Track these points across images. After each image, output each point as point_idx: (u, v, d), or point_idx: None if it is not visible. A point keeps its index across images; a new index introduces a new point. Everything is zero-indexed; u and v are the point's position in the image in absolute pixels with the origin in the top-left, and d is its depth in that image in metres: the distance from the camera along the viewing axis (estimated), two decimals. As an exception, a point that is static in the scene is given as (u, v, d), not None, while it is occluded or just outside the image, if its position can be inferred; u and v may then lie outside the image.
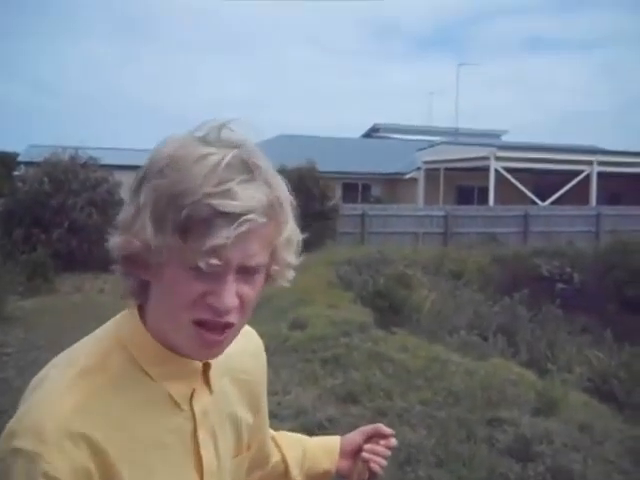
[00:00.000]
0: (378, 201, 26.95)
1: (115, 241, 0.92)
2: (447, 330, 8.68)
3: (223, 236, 0.84)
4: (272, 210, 0.91)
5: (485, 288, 13.33)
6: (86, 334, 1.03)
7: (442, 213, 21.15)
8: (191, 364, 0.98)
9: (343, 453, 1.38)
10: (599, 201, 24.24)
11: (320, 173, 19.88)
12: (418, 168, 27.92)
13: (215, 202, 0.84)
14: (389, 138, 37.83)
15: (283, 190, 0.95)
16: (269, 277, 1.00)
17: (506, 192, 24.00)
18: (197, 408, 0.99)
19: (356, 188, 29.42)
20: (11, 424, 0.88)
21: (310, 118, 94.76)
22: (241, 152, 0.89)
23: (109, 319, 1.03)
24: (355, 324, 8.60)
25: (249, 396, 1.15)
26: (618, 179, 27.11)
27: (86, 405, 0.89)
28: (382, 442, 1.34)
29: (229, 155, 0.87)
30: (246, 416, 1.13)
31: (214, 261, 0.85)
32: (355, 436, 1.39)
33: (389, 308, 8.86)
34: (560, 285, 14.37)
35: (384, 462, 1.33)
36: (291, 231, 1.00)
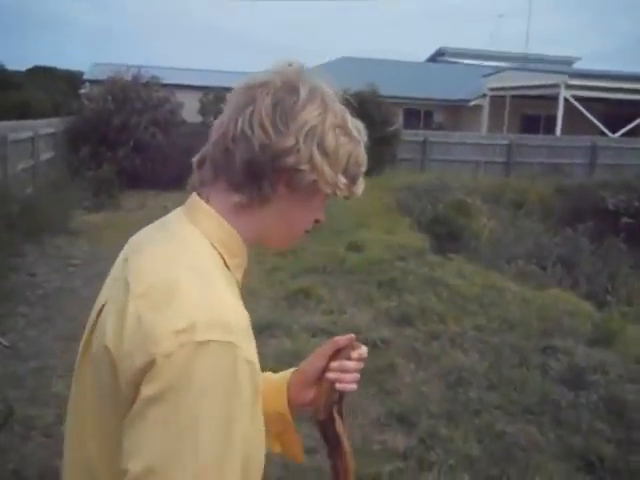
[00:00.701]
0: (440, 128, 26.37)
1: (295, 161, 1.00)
2: (505, 259, 8.60)
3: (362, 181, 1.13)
4: None
5: (546, 219, 13.07)
6: None
7: (506, 142, 20.57)
8: (246, 256, 1.09)
9: (304, 384, 1.30)
10: (674, 134, 23.13)
11: (382, 97, 19.48)
12: (483, 95, 27.04)
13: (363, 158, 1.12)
14: (455, 63, 36.59)
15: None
16: None
17: (574, 122, 23.10)
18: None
19: (418, 114, 28.80)
20: (177, 321, 0.88)
21: (375, 41, 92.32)
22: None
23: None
24: (412, 249, 8.62)
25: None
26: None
27: (237, 303, 0.98)
28: (353, 354, 1.25)
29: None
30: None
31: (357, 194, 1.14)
32: (313, 360, 1.32)
33: (447, 235, 8.82)
34: (625, 219, 13.95)
35: (352, 377, 1.25)
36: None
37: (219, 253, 1.02)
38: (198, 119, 17.64)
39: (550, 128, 23.73)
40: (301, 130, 0.99)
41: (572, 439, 4.05)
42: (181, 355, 0.85)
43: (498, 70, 27.17)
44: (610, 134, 22.61)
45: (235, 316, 0.93)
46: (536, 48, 38.74)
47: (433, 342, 5.60)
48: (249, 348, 0.93)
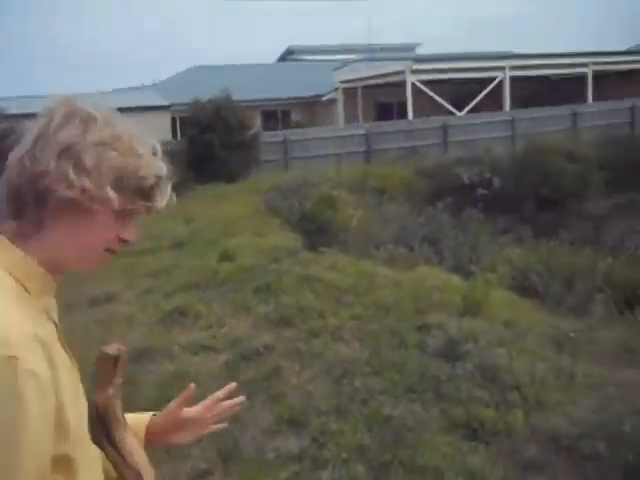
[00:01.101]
0: (298, 126, 26.66)
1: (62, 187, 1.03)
2: (374, 245, 8.82)
3: (165, 192, 1.19)
4: None
5: (409, 201, 13.55)
6: None
7: (362, 131, 21.12)
8: (53, 282, 1.12)
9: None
10: (513, 106, 24.67)
11: (237, 102, 19.42)
12: (336, 89, 27.63)
13: (155, 171, 1.17)
14: (304, 60, 37.15)
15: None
16: None
17: (424, 105, 24.09)
18: (55, 319, 1.13)
19: (275, 115, 28.98)
20: None
21: (224, 47, 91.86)
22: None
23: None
24: (283, 250, 8.64)
25: None
26: (530, 82, 27.62)
27: (21, 319, 0.99)
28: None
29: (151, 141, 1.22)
30: None
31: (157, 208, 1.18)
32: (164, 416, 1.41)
33: (316, 230, 8.91)
34: (481, 191, 14.76)
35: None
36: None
37: (15, 279, 1.04)
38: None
39: (403, 113, 24.62)
40: (54, 153, 1.03)
41: (454, 410, 4.21)
42: None
43: (347, 63, 27.86)
44: (457, 112, 23.77)
45: (16, 330, 0.95)
46: (379, 38, 40.11)
47: (314, 339, 5.63)
48: (36, 361, 0.94)
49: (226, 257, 8.58)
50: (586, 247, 8.66)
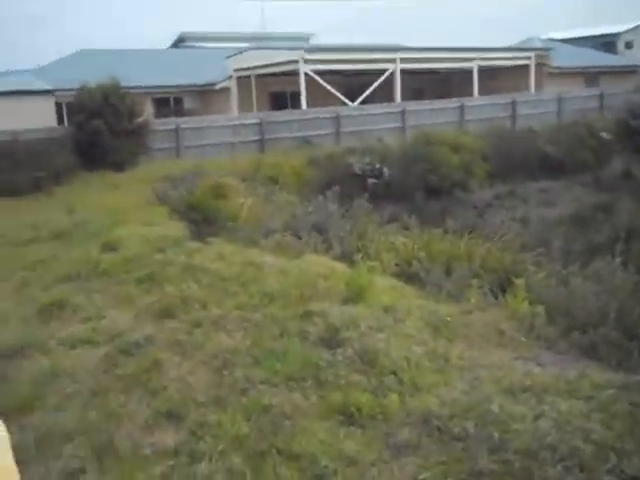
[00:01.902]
0: (192, 114, 26.17)
1: None
2: (263, 234, 8.80)
3: None
4: None
5: (301, 190, 13.63)
6: None
7: (256, 120, 21.01)
8: None
9: None
10: (404, 98, 25.28)
11: (127, 89, 18.81)
12: (229, 77, 27.31)
13: None
14: (197, 47, 36.46)
15: None
16: None
17: (318, 95, 24.26)
18: None
19: (168, 102, 28.30)
20: None
21: (114, 31, 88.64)
22: None
23: None
24: (170, 239, 8.47)
25: None
26: (420, 75, 28.42)
27: None
28: None
29: None
30: None
31: None
32: None
33: (203, 219, 8.78)
34: (371, 180, 15.05)
35: None
36: None
37: None
38: None
39: (297, 103, 24.69)
40: None
41: (332, 396, 4.25)
42: None
43: (240, 51, 27.58)
44: (350, 103, 24.09)
45: None
46: (273, 28, 39.97)
47: (196, 330, 5.53)
48: None
49: (109, 247, 8.32)
50: (467, 235, 9.00)
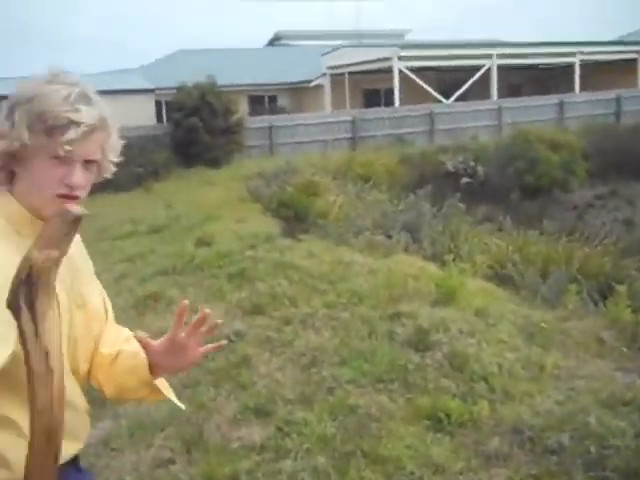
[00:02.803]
0: (285, 111, 26.52)
1: None
2: (353, 232, 8.77)
3: (74, 134, 1.34)
4: (103, 123, 1.43)
5: (392, 188, 13.50)
6: None
7: (349, 118, 21.03)
8: (34, 224, 1.37)
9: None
10: (500, 94, 24.63)
11: (223, 87, 19.27)
12: (323, 74, 27.47)
13: (69, 115, 1.34)
14: (292, 45, 36.89)
15: (109, 113, 1.48)
16: (100, 169, 1.52)
17: (411, 92, 24.02)
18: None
19: (262, 100, 28.80)
20: None
21: (211, 31, 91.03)
22: (80, 88, 1.41)
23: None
24: (261, 236, 8.58)
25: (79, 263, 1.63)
26: (517, 71, 27.60)
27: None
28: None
29: (75, 89, 1.39)
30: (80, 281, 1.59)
31: (69, 149, 1.34)
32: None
33: (295, 217, 8.85)
34: (465, 179, 14.74)
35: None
36: (115, 139, 1.52)
37: (10, 223, 1.38)
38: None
39: (390, 100, 24.53)
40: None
41: (420, 400, 4.16)
42: None
43: (334, 48, 27.68)
44: (444, 100, 23.70)
45: None
46: (371, 24, 39.85)
47: (285, 327, 5.57)
48: None
49: (203, 242, 8.52)
50: (565, 237, 8.64)
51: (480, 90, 24.56)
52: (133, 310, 6.52)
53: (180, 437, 4.03)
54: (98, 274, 5.47)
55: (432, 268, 7.11)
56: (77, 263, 1.62)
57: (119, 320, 5.83)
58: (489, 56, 24.56)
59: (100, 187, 6.52)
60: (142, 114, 19.82)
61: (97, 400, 4.56)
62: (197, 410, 4.36)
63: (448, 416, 3.95)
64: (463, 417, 3.95)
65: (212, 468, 3.65)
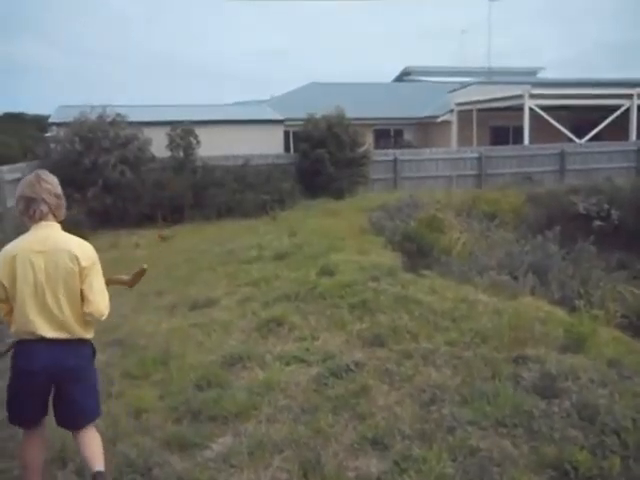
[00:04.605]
0: (410, 145, 26.56)
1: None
2: (477, 271, 8.59)
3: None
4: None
5: (519, 228, 13.13)
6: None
7: (476, 155, 20.76)
8: None
9: None
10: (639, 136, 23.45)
11: (351, 120, 19.59)
12: (451, 110, 27.33)
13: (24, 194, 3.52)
14: (421, 81, 37.04)
15: (56, 185, 3.58)
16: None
17: (542, 131, 23.38)
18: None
19: (388, 133, 29.03)
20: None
21: (342, 65, 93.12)
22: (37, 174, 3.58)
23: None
24: (384, 269, 8.58)
25: (80, 259, 3.47)
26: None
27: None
28: None
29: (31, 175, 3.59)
30: (77, 262, 3.44)
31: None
32: None
33: (418, 251, 8.80)
34: (597, 222, 14.09)
35: None
36: (61, 202, 3.59)
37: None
38: (167, 154, 17.60)
39: (519, 138, 23.99)
40: None
41: (545, 449, 4.00)
42: None
43: (464, 85, 27.51)
44: (577, 140, 22.88)
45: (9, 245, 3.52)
46: (500, 61, 39.30)
47: (406, 361, 5.54)
48: (6, 250, 3.48)
49: (326, 271, 8.64)
50: None
51: (615, 130, 23.50)
52: (256, 332, 6.70)
53: (298, 460, 4.08)
54: (220, 297, 6.46)
55: (560, 313, 6.83)
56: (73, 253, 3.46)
57: (243, 342, 6.01)
58: (629, 96, 23.49)
59: (228, 211, 7.55)
60: (271, 144, 20.53)
61: (219, 417, 4.71)
62: (315, 435, 4.41)
63: (575, 468, 3.77)
64: (592, 471, 3.75)
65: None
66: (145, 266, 4.01)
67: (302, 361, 5.80)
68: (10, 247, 3.43)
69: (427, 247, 8.86)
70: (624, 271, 9.42)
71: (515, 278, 8.30)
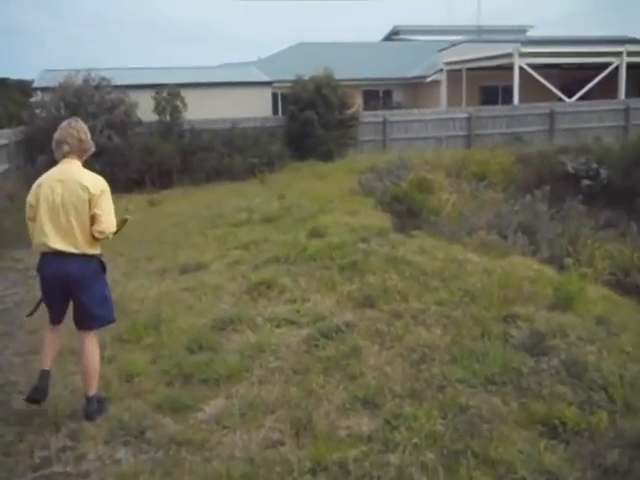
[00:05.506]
0: (399, 106, 26.36)
1: None
2: (467, 231, 8.61)
3: None
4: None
5: (508, 188, 13.14)
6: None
7: (465, 115, 20.64)
8: None
9: None
10: (629, 94, 23.35)
11: (339, 81, 19.38)
12: (440, 70, 27.08)
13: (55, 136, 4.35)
14: (410, 40, 36.58)
15: (80, 130, 4.32)
16: None
17: (531, 90, 23.23)
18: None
19: (377, 94, 28.77)
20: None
21: (329, 24, 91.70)
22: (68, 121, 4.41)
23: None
24: (373, 230, 8.59)
25: (90, 188, 4.15)
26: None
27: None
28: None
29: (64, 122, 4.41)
30: (87, 191, 4.14)
31: None
32: None
33: (407, 212, 8.80)
34: (586, 182, 14.12)
35: None
36: (83, 145, 4.32)
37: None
38: (154, 118, 17.38)
39: (508, 98, 23.85)
40: None
41: (534, 406, 4.05)
42: None
43: (453, 44, 27.21)
44: (567, 99, 22.77)
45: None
46: (489, 20, 38.86)
47: (396, 321, 5.57)
48: (38, 182, 4.32)
49: (316, 234, 8.63)
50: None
51: (605, 89, 23.38)
52: (246, 295, 6.71)
53: (290, 420, 4.12)
54: (210, 261, 6.37)
55: (549, 272, 6.87)
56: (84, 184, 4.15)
57: (234, 305, 6.02)
58: (618, 54, 23.33)
59: (216, 175, 7.88)
60: (258, 106, 20.28)
61: (210, 380, 4.74)
62: (306, 396, 4.45)
63: (564, 424, 3.83)
64: (580, 426, 3.81)
65: (320, 453, 3.71)
66: (128, 217, 4.62)
67: (293, 323, 5.82)
68: (40, 178, 4.27)
69: (417, 208, 8.85)
70: (612, 229, 9.46)
71: (504, 237, 8.33)
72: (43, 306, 4.49)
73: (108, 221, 4.19)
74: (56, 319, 4.43)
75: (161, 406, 4.38)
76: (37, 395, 4.28)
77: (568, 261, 6.87)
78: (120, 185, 15.51)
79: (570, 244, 8.33)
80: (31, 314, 4.65)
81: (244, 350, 5.21)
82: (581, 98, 22.73)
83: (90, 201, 4.13)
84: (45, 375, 4.32)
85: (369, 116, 20.30)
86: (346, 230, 8.76)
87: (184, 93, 17.59)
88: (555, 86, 23.27)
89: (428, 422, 3.94)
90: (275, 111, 23.39)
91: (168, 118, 17.49)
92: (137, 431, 4.05)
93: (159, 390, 4.64)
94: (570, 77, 24.88)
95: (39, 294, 4.48)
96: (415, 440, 3.76)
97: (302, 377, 4.73)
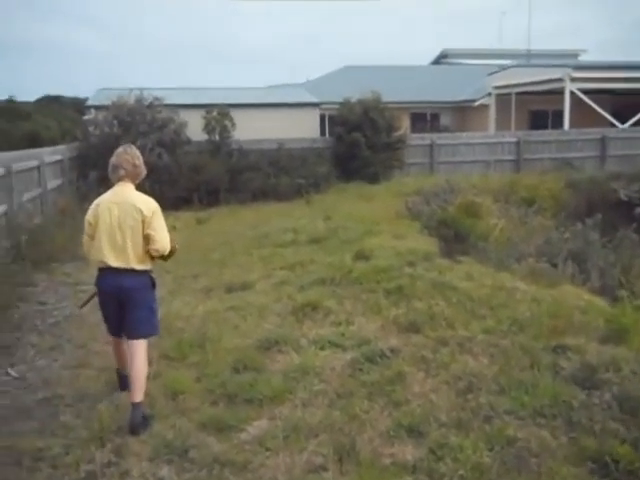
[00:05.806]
0: (447, 130, 26.25)
1: None
2: (515, 258, 8.46)
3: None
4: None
5: (557, 215, 12.90)
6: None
7: (514, 139, 20.42)
8: None
9: None
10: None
11: (387, 104, 19.41)
12: (489, 94, 26.90)
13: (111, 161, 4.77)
14: (458, 64, 36.49)
15: (134, 156, 4.67)
16: None
17: (582, 115, 22.86)
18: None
19: (425, 117, 28.72)
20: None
21: (378, 48, 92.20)
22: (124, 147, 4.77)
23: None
24: (420, 254, 8.52)
25: (143, 211, 4.50)
26: None
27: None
28: None
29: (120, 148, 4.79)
30: (140, 213, 4.49)
31: None
32: None
33: (455, 237, 8.70)
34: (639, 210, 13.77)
35: None
36: (137, 170, 4.70)
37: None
38: (203, 137, 17.67)
39: (558, 123, 23.52)
40: None
41: (585, 441, 3.93)
42: None
43: (502, 68, 27.03)
44: (619, 125, 22.34)
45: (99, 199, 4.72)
46: (540, 44, 38.49)
47: (442, 348, 5.50)
48: (96, 203, 4.71)
49: (362, 256, 8.61)
50: None
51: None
52: (291, 316, 6.71)
53: (333, 445, 4.08)
54: (256, 280, 6.27)
55: (601, 302, 6.70)
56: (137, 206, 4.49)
57: (279, 325, 6.03)
58: (674, 79, 22.80)
59: (262, 195, 8.12)
60: (306, 127, 20.43)
61: (254, 400, 4.73)
62: (350, 420, 4.41)
63: (616, 462, 3.70)
64: (633, 465, 3.68)
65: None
66: (177, 245, 4.84)
67: (337, 346, 5.79)
68: (98, 199, 4.66)
69: (464, 233, 8.75)
70: (668, 260, 9.17)
71: (554, 266, 8.16)
72: (88, 323, 4.63)
73: (162, 239, 4.57)
74: (114, 331, 4.84)
75: (205, 425, 4.39)
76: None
77: (622, 293, 6.68)
78: (168, 203, 15.78)
79: (623, 274, 8.12)
80: (83, 305, 5.18)
81: (288, 372, 5.20)
82: (634, 124, 22.28)
83: (143, 222, 4.49)
84: (125, 379, 4.87)
85: (416, 139, 20.24)
86: (392, 253, 8.71)
87: (233, 113, 17.85)
88: (607, 111, 22.86)
89: (474, 454, 3.85)
90: (322, 132, 23.54)
91: (217, 137, 17.74)
92: (181, 449, 4.07)
93: (203, 409, 4.66)
94: (622, 102, 24.41)
95: (93, 288, 4.85)
96: (461, 472, 3.69)
97: (346, 401, 4.69)
